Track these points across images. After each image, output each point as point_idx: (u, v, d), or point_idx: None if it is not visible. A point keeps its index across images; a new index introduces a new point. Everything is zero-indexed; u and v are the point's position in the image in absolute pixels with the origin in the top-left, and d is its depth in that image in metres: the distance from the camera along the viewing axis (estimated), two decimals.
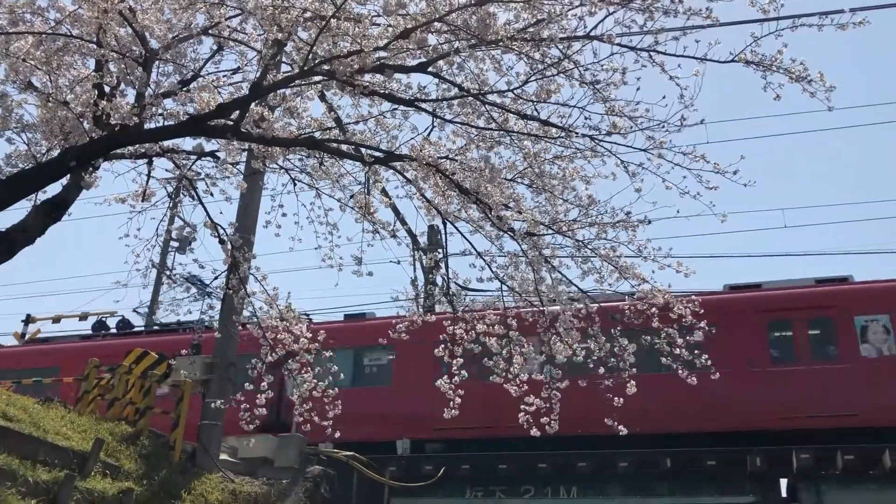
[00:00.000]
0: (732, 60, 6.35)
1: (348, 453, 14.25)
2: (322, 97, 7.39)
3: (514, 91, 6.65)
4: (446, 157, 7.09)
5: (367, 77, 6.58)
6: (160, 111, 6.90)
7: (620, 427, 7.89)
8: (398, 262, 9.49)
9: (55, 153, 6.85)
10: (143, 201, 7.83)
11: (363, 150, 7.16)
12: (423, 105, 6.89)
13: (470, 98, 6.75)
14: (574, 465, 14.19)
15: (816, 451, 13.02)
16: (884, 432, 12.91)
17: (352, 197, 7.76)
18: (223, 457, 12.76)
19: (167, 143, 7.39)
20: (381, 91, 6.76)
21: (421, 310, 10.71)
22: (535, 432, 8.11)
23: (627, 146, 6.94)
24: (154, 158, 7.60)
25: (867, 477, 12.81)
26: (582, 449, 13.94)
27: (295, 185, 8.00)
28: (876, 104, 50.27)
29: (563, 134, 6.85)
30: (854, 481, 12.81)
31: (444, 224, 7.80)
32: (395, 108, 7.08)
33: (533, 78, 6.50)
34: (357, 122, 7.38)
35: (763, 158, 50.81)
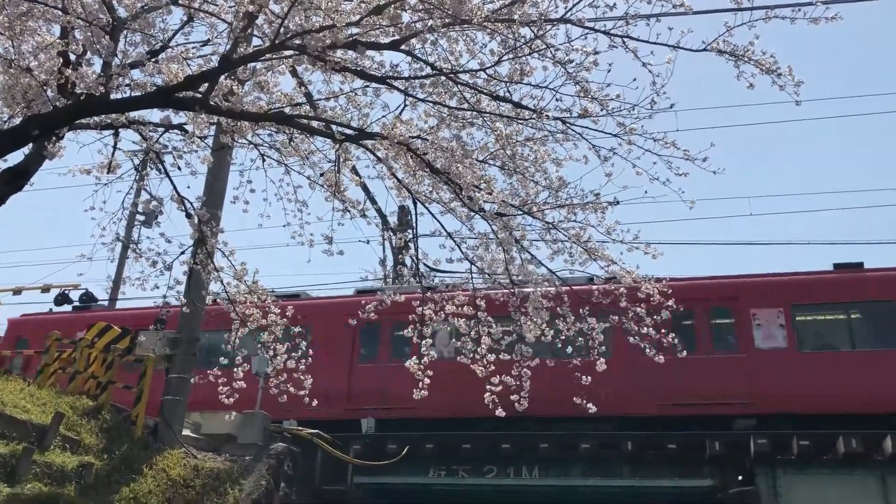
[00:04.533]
0: (705, 49, 6.39)
1: (313, 431, 14.25)
2: (293, 72, 7.30)
3: (487, 71, 6.63)
4: (418, 137, 7.05)
5: (339, 53, 6.51)
6: (127, 81, 6.75)
7: (590, 405, 8.02)
8: (368, 242, 9.47)
9: (17, 121, 6.68)
10: (108, 173, 7.69)
11: (334, 127, 7.10)
12: (396, 83, 6.83)
13: (443, 78, 6.72)
14: (537, 446, 14.34)
15: (774, 436, 13.29)
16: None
17: (322, 174, 7.69)
18: (186, 432, 12.68)
19: (134, 115, 7.25)
20: (353, 68, 6.70)
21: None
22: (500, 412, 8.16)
23: (599, 131, 6.97)
24: (120, 130, 7.45)
25: (821, 462, 13.10)
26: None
27: (264, 160, 7.92)
28: (851, 96, 51.11)
29: (535, 116, 6.85)
30: (808, 466, 13.10)
31: (415, 204, 7.78)
32: (367, 86, 7.02)
33: (506, 57, 6.49)
34: (328, 99, 7.31)
35: (732, 146, 51.39)
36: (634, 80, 6.41)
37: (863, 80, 64.29)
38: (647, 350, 7.74)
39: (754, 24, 6.16)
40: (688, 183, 7.05)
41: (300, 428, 14.31)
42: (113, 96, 6.61)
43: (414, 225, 8.24)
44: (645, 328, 7.62)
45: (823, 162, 69.80)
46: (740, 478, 14.03)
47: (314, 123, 7.22)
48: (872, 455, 12.67)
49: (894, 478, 12.55)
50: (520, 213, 7.58)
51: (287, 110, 7.19)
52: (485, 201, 7.30)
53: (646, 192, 7.25)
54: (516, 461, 14.56)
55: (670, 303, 7.53)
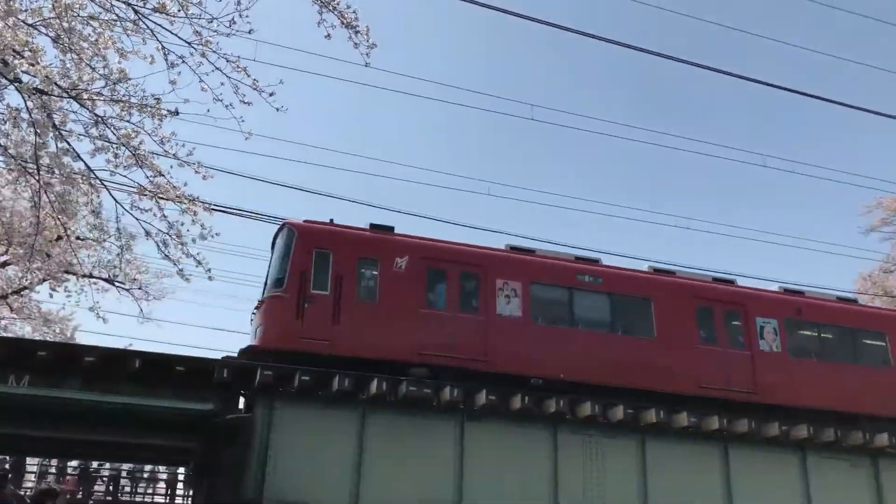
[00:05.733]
0: None
1: None
2: None
3: None
4: None
5: None
6: None
7: None
8: None
9: None
10: None
11: None
12: None
13: None
14: (34, 354, 13.14)
15: (277, 369, 14.08)
16: None
17: None
18: None
19: None
20: None
21: None
22: None
23: (172, 33, 6.61)
24: None
25: (317, 397, 14.32)
26: None
27: None
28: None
29: None
30: (302, 400, 14.18)
31: None
32: None
33: None
34: None
35: (308, 93, 52.99)
36: None
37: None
38: None
39: None
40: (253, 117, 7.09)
41: None
42: None
43: None
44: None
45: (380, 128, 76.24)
46: (241, 405, 14.66)
47: None
48: (358, 394, 14.26)
49: (372, 415, 14.26)
50: (66, 96, 6.81)
51: None
52: (24, 71, 6.39)
53: (208, 110, 7.10)
54: (7, 367, 13.13)
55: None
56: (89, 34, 6.66)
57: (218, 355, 15.73)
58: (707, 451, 15.43)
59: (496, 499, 14.12)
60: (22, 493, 16.35)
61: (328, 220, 15.64)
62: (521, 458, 14.54)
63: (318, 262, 14.73)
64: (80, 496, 21.45)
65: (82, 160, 7.09)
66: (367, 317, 14.71)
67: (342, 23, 6.47)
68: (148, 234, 7.46)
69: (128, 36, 6.74)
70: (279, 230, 15.77)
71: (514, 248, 16.88)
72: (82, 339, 23.54)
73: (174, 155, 7.20)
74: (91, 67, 6.85)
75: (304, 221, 15.49)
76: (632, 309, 16.75)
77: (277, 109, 6.95)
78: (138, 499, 24.06)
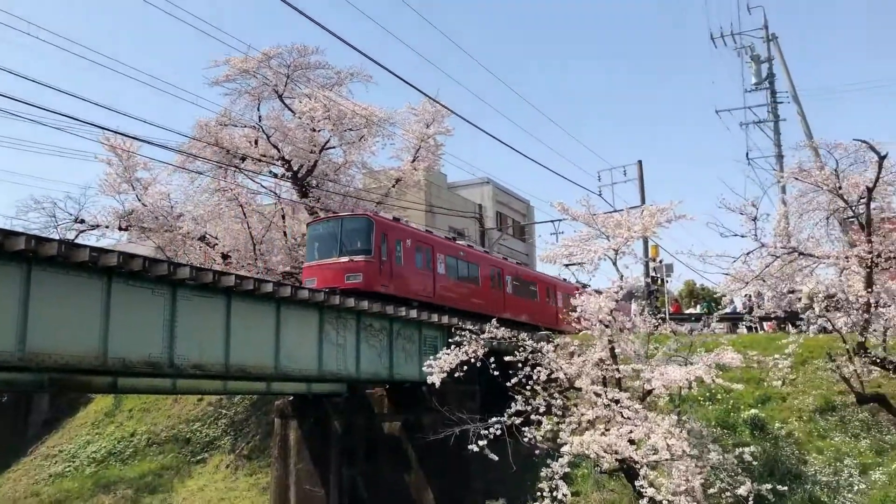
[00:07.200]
0: None
1: None
2: None
3: None
4: None
5: None
6: None
7: None
8: None
9: None
10: None
11: None
12: None
13: None
14: None
15: None
16: None
17: None
18: None
19: None
20: None
21: None
22: None
23: None
24: None
25: None
26: None
27: None
28: None
29: None
30: None
31: None
32: None
33: None
34: None
35: None
36: None
37: None
38: None
39: None
40: None
41: None
42: None
43: None
44: None
45: None
46: None
47: None
48: None
49: None
50: None
51: None
52: None
53: None
54: None
55: None
56: None
57: None
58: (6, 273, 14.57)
59: None
60: None
61: (374, 212, 26.23)
62: None
63: (382, 240, 23.66)
64: None
65: None
66: (400, 274, 24.28)
67: None
68: None
69: None
70: (346, 218, 24.66)
71: (427, 231, 28.71)
72: None
73: None
74: None
75: (373, 213, 24.83)
76: (481, 271, 29.62)
77: None
78: None
